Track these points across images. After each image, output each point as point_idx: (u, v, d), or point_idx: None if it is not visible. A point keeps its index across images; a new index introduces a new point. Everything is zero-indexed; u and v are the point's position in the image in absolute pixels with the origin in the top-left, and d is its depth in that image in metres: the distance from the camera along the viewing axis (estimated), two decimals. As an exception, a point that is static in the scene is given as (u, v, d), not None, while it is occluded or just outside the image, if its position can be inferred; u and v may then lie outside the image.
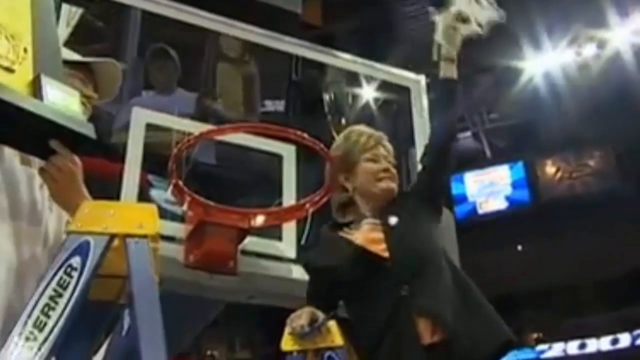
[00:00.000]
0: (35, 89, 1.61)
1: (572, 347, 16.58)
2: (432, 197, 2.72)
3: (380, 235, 2.56)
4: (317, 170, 2.91)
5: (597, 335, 16.35)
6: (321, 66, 4.86)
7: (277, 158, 3.19)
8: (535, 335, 17.39)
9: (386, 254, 2.52)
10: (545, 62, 15.28)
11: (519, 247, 17.20)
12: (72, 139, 1.72)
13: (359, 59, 4.16)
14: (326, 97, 5.10)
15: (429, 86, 3.13)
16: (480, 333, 2.36)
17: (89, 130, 1.71)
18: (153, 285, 1.77)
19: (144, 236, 1.80)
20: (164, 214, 2.81)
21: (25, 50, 1.63)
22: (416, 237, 2.57)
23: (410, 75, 3.90)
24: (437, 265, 2.51)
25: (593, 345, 16.45)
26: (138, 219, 1.81)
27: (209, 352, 17.85)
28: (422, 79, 3.83)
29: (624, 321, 16.00)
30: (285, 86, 5.39)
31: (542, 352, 17.07)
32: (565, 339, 16.70)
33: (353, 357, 2.55)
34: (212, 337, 17.47)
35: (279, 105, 5.89)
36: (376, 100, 9.72)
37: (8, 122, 1.61)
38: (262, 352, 18.00)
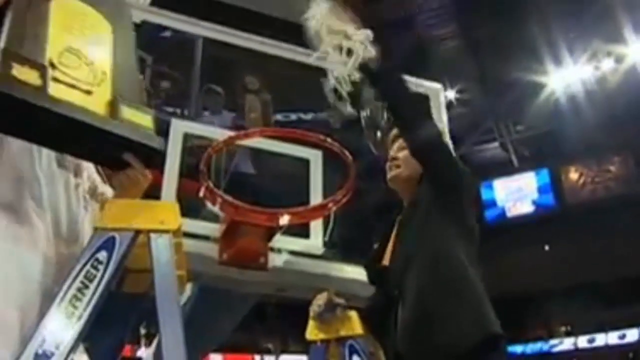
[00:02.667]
0: (112, 108, 1.63)
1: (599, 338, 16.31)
2: (432, 179, 2.37)
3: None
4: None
5: (614, 328, 16.13)
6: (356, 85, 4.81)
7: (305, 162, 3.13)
8: (563, 328, 17.13)
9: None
10: (567, 76, 15.17)
11: (546, 247, 16.94)
12: (144, 153, 1.71)
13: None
14: (363, 113, 5.01)
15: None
16: (466, 325, 2.15)
17: (159, 145, 1.71)
18: (173, 277, 1.71)
19: (166, 231, 1.76)
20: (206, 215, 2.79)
21: (104, 73, 1.66)
22: (407, 240, 2.39)
23: (428, 83, 3.79)
24: (421, 265, 2.29)
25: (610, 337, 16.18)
26: (160, 215, 1.77)
27: (264, 345, 17.95)
28: (440, 87, 3.73)
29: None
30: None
31: (563, 343, 16.82)
32: (592, 331, 16.40)
33: (375, 346, 2.46)
34: (268, 332, 17.57)
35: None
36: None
37: (87, 139, 1.63)
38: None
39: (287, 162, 3.30)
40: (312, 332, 2.47)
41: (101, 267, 1.68)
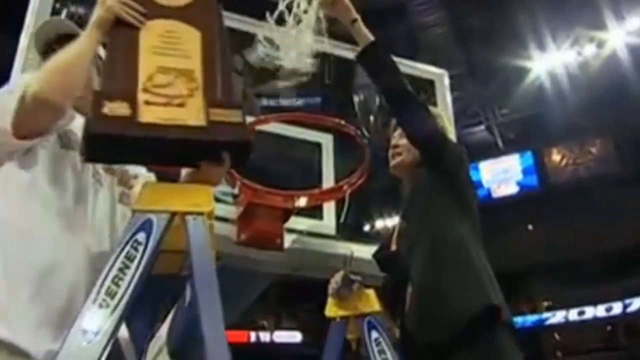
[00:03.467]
0: (205, 114, 1.66)
1: (580, 312, 16.52)
2: (431, 164, 2.39)
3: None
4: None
5: (595, 304, 16.35)
6: (351, 71, 4.78)
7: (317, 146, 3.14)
8: (545, 304, 17.29)
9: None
10: (550, 62, 15.15)
11: (530, 227, 17.04)
12: (236, 148, 1.72)
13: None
14: (356, 98, 4.98)
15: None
16: (466, 298, 2.18)
17: (249, 138, 1.72)
18: (211, 258, 1.72)
19: (201, 213, 1.75)
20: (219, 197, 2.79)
21: (195, 82, 1.70)
22: (411, 224, 2.42)
23: (434, 69, 3.79)
24: (424, 247, 2.32)
25: (590, 312, 16.40)
26: (195, 198, 1.76)
27: (259, 322, 18.03)
28: (445, 73, 3.74)
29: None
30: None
31: (547, 318, 17.00)
32: (573, 306, 16.60)
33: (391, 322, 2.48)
34: (262, 310, 17.63)
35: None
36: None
37: (181, 150, 1.68)
38: (305, 321, 18.10)
39: (293, 146, 3.31)
40: (331, 309, 2.48)
41: (140, 248, 1.68)
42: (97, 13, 1.72)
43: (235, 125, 1.69)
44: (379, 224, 3.28)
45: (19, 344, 1.55)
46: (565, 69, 15.18)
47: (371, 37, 2.37)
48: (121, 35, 1.72)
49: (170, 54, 1.73)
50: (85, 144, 1.61)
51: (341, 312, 2.46)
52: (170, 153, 1.70)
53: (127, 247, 1.67)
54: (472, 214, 2.37)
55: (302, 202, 2.69)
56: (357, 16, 2.38)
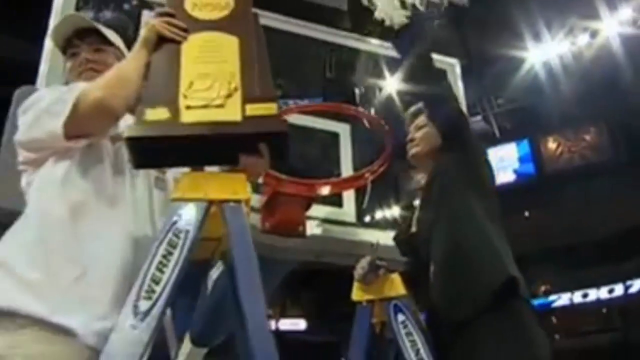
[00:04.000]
0: (242, 111, 1.72)
1: (577, 296, 16.63)
2: (455, 151, 2.47)
3: None
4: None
5: (592, 287, 16.46)
6: (352, 64, 4.77)
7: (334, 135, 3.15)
8: (543, 288, 17.39)
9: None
10: (545, 52, 15.09)
11: (526, 214, 17.06)
12: (273, 140, 1.74)
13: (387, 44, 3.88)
14: (357, 91, 4.97)
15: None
16: (486, 273, 2.24)
17: (283, 128, 1.74)
18: (250, 244, 1.73)
19: (239, 201, 1.76)
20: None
21: (234, 83, 1.76)
22: (430, 207, 2.49)
23: (446, 58, 3.78)
24: (444, 227, 2.38)
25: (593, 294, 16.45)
26: (232, 186, 1.78)
27: (264, 311, 18.03)
28: (457, 62, 3.73)
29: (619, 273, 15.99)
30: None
31: (545, 303, 17.10)
32: (570, 290, 16.71)
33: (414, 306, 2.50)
34: (267, 299, 17.64)
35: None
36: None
37: (221, 147, 1.74)
38: (309, 309, 18.16)
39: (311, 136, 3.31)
40: (357, 293, 2.49)
41: (182, 235, 1.70)
42: (143, 33, 1.85)
43: (270, 117, 1.73)
44: (395, 211, 3.29)
45: (64, 323, 1.56)
46: (560, 58, 15.15)
47: None
48: (164, 50, 1.82)
49: (209, 61, 1.80)
50: (130, 149, 1.68)
51: (367, 296, 2.47)
52: (210, 150, 1.74)
53: (169, 235, 1.69)
54: (489, 194, 2.47)
55: (325, 190, 2.70)
56: None
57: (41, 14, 3.15)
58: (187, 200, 1.71)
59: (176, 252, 1.64)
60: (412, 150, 2.61)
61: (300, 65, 4.49)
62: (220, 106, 1.70)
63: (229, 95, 1.72)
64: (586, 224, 15.55)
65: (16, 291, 1.57)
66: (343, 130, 3.16)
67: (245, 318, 1.61)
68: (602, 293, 16.54)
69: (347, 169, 3.07)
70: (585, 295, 16.66)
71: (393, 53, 3.98)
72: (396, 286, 2.42)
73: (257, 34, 1.91)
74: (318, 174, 2.88)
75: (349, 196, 3.00)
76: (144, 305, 1.55)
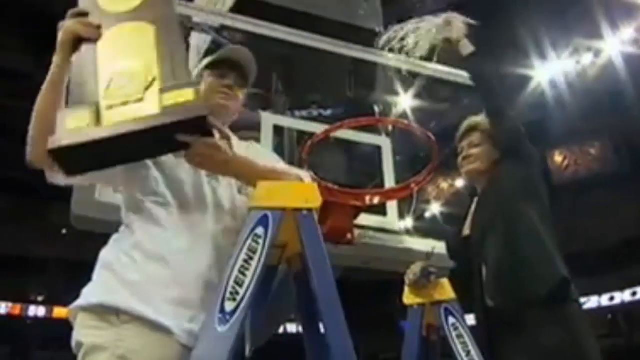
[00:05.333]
0: (160, 102, 1.56)
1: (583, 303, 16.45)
2: (503, 140, 2.52)
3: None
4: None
5: (596, 293, 16.35)
6: (372, 83, 4.75)
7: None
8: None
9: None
10: (551, 70, 15.09)
11: (535, 223, 16.97)
12: (195, 125, 1.60)
13: (410, 59, 3.79)
14: (376, 108, 4.97)
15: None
16: (540, 274, 2.25)
17: (202, 111, 1.57)
18: (324, 250, 1.72)
19: (310, 210, 1.76)
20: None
21: (152, 74, 1.59)
22: (484, 213, 2.50)
23: (463, 72, 3.73)
24: (498, 231, 2.39)
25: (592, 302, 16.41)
26: (304, 195, 1.77)
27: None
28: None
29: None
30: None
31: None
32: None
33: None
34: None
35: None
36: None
37: (144, 141, 1.59)
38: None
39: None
40: (409, 297, 2.48)
41: (260, 241, 1.70)
42: (58, 38, 1.68)
43: (188, 104, 1.57)
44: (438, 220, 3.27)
45: (162, 322, 1.59)
46: (565, 76, 15.14)
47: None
48: (82, 51, 1.67)
49: (125, 55, 1.65)
50: (54, 160, 1.55)
51: (418, 300, 2.45)
52: (138, 146, 1.62)
53: (249, 241, 1.69)
54: (541, 200, 2.47)
55: (374, 200, 2.69)
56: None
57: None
58: (264, 209, 1.71)
59: (256, 257, 1.64)
60: (469, 167, 2.59)
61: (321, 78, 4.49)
62: (140, 100, 1.56)
63: (147, 87, 1.58)
64: (591, 232, 15.43)
65: (121, 291, 1.62)
66: (385, 143, 3.15)
67: (323, 319, 1.60)
68: (605, 300, 16.39)
69: (389, 180, 3.06)
70: (587, 302, 16.52)
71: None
72: (446, 290, 2.40)
73: (173, 18, 1.77)
74: (360, 184, 2.88)
75: (392, 205, 3.00)
76: (229, 306, 1.56)
